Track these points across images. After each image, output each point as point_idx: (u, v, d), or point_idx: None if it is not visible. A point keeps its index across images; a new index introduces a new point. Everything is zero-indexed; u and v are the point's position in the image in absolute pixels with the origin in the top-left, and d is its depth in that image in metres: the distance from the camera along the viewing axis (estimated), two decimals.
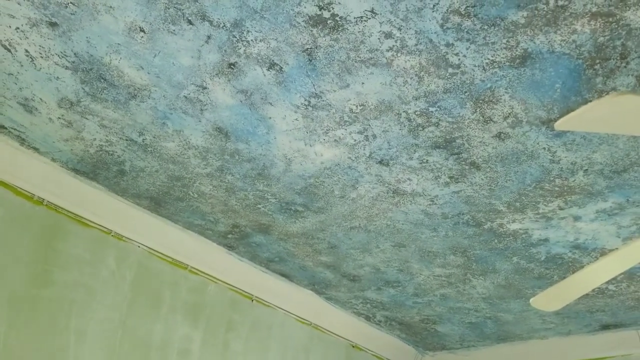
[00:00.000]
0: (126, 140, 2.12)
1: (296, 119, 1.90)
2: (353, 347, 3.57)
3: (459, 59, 1.60)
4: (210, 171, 2.24)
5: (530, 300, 1.70)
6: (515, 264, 2.65)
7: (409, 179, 2.14)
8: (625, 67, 1.56)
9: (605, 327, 3.19)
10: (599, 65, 1.57)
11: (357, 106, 1.81)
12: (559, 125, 1.01)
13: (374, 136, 1.94)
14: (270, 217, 2.53)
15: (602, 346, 3.26)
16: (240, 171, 2.22)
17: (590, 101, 1.67)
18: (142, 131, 2.06)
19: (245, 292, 3.05)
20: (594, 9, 1.41)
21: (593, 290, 2.82)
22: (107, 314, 2.42)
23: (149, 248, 2.65)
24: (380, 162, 2.07)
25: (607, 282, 2.73)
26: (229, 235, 2.75)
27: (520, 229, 2.37)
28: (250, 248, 2.84)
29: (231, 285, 2.98)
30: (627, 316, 3.02)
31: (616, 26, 1.45)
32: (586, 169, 1.98)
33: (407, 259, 2.74)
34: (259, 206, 2.45)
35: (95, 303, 2.39)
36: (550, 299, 1.67)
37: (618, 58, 1.54)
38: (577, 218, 2.26)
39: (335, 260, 2.85)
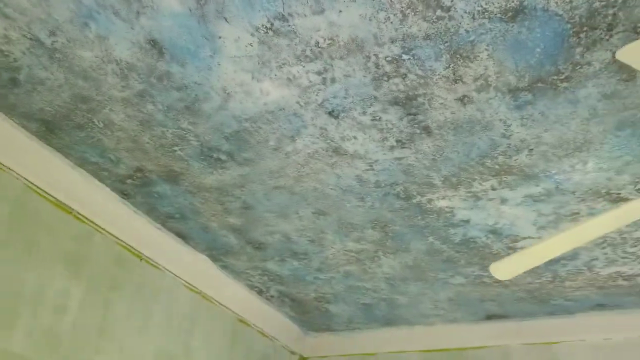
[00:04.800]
0: (31, 39, 1.72)
1: (251, 44, 1.66)
2: (240, 321, 3.35)
3: (452, 1, 1.47)
4: (128, 95, 1.90)
5: (490, 266, 1.63)
6: (429, 244, 2.61)
7: (354, 137, 1.98)
8: (607, 40, 1.53)
9: (490, 317, 3.30)
10: (584, 34, 1.53)
11: (325, 40, 1.61)
12: (620, 54, 0.90)
13: (333, 80, 1.75)
14: (185, 163, 2.23)
15: (483, 336, 3.36)
16: (166, 101, 1.91)
17: (562, 73, 1.63)
18: (54, 31, 1.68)
19: (134, 249, 2.70)
20: None
21: (490, 278, 2.88)
22: None
23: (30, 182, 2.22)
24: (330, 113, 1.89)
25: None
26: (128, 181, 2.40)
27: (446, 206, 2.32)
28: (149, 199, 2.51)
29: (119, 239, 2.62)
30: (513, 307, 3.13)
31: None
32: (532, 149, 1.96)
33: (323, 229, 2.59)
34: (176, 148, 2.15)
35: None
36: (508, 267, 1.62)
37: (605, 29, 1.50)
38: (504, 201, 2.25)
39: (244, 223, 2.61)
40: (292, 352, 3.78)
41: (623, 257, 2.51)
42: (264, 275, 3.12)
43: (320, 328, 3.74)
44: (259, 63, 1.72)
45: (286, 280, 3.15)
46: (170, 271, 2.89)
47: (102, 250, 2.53)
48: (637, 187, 2.07)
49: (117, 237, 2.60)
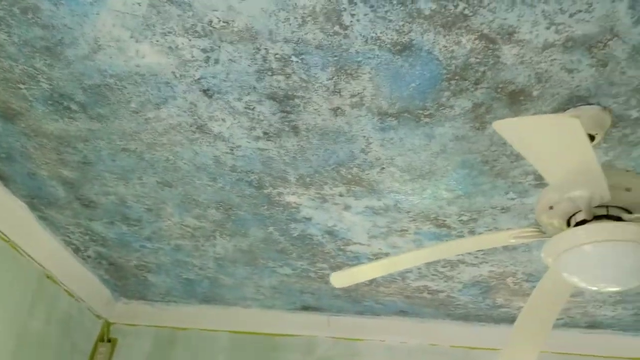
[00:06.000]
0: None
1: (139, 3, 1.54)
2: (47, 277, 3.10)
3: (351, 22, 1.52)
4: None
5: (331, 275, 1.72)
6: (268, 233, 2.67)
7: (223, 119, 1.95)
8: (472, 92, 1.71)
9: (305, 308, 3.47)
10: (454, 82, 1.68)
11: (220, 21, 1.57)
12: (497, 124, 1.02)
13: (217, 61, 1.71)
14: (29, 104, 2.01)
15: (295, 325, 3.52)
16: (25, 35, 1.70)
17: (428, 109, 1.78)
18: None
19: None
20: (486, 30, 1.50)
21: (315, 274, 3.03)
22: None
23: None
24: (205, 92, 1.83)
25: (331, 269, 2.97)
26: None
27: (294, 202, 2.40)
28: None
29: None
30: (328, 302, 3.34)
31: (490, 54, 1.57)
32: (383, 168, 2.11)
33: (164, 200, 2.51)
34: (22, 86, 1.92)
35: None
36: (346, 277, 1.72)
37: (473, 82, 1.67)
38: (347, 207, 2.39)
39: (79, 178, 2.42)
40: (98, 316, 3.61)
41: (433, 274, 2.82)
42: (86, 234, 2.93)
43: (133, 296, 3.62)
44: (142, 24, 1.61)
45: (109, 243, 2.99)
46: None
47: None
48: (460, 218, 2.34)
49: None
